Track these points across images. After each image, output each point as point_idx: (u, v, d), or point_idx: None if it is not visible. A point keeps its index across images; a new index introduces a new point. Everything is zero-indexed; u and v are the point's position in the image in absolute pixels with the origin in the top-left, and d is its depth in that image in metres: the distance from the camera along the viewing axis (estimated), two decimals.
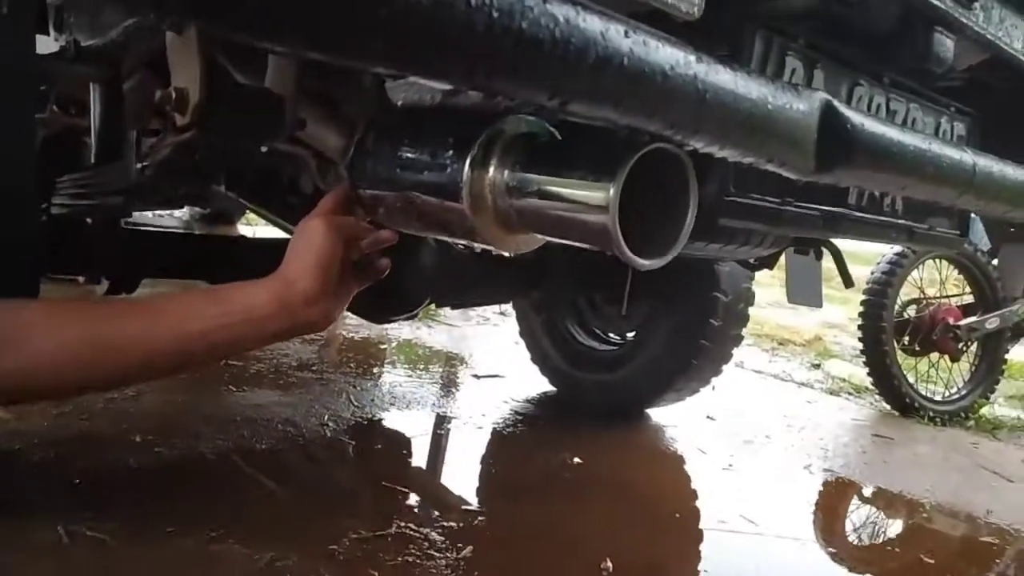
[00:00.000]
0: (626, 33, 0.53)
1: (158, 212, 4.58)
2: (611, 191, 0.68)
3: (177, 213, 4.63)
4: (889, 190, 1.01)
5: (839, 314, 5.03)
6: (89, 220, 1.63)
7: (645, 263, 0.73)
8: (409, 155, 0.88)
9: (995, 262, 3.30)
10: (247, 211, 3.27)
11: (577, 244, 0.77)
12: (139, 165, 1.05)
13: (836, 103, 0.80)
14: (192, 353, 0.82)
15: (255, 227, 4.30)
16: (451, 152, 0.82)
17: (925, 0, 0.96)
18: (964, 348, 3.24)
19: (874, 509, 2.21)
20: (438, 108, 0.87)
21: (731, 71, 0.64)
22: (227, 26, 0.41)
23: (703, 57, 0.61)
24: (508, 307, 2.83)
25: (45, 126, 1.97)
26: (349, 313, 2.62)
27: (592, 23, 0.51)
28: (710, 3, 0.77)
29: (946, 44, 1.03)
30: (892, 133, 0.87)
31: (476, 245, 0.87)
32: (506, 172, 0.79)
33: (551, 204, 0.76)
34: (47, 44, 1.47)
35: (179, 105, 0.91)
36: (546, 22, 0.47)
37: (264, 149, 1.50)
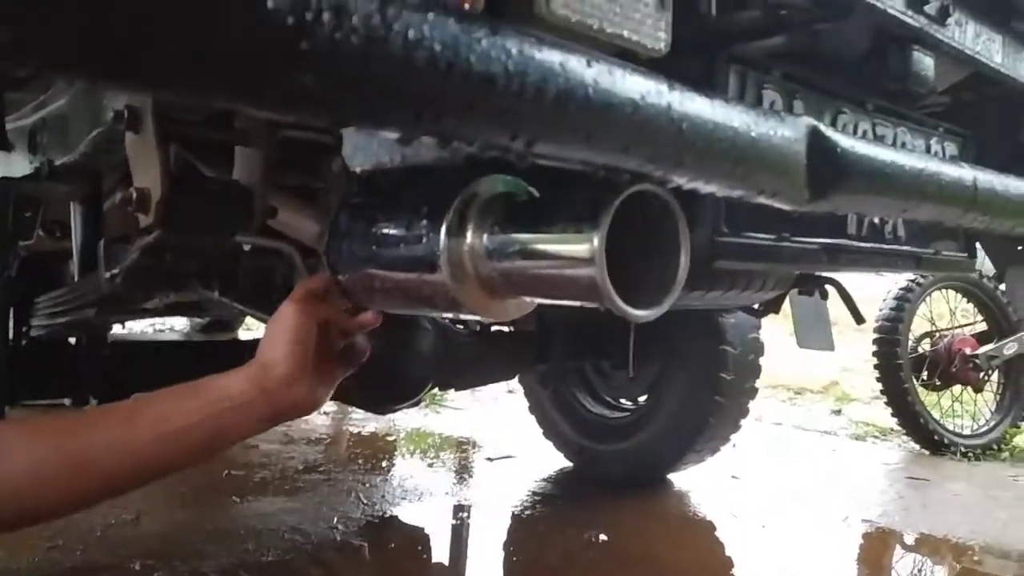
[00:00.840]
0: (588, 63, 0.49)
1: (158, 327, 4.56)
2: (595, 241, 0.63)
3: (177, 326, 4.59)
4: (890, 214, 0.96)
5: (850, 354, 4.92)
6: (73, 340, 1.59)
7: (641, 314, 0.67)
8: (384, 231, 0.84)
9: (1002, 287, 3.24)
10: (246, 317, 3.23)
11: (569, 302, 0.72)
12: (108, 274, 1.01)
13: (823, 127, 0.76)
14: (177, 452, 0.77)
15: (253, 331, 4.26)
16: (425, 221, 0.78)
17: (896, 18, 0.94)
18: (986, 377, 3.14)
19: (920, 557, 2.08)
20: (408, 177, 0.83)
21: (707, 98, 0.60)
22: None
23: (675, 85, 0.57)
24: (515, 383, 2.75)
25: (29, 250, 1.96)
26: (354, 408, 2.53)
27: (549, 54, 0.47)
28: (677, 40, 0.74)
29: (925, 62, 1.01)
30: (885, 153, 0.83)
31: (465, 317, 0.82)
32: (485, 236, 0.75)
33: (535, 263, 0.71)
34: (22, 167, 1.46)
35: (141, 205, 0.88)
36: (497, 55, 0.43)
37: (247, 248, 1.47)
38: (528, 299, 0.79)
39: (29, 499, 0.72)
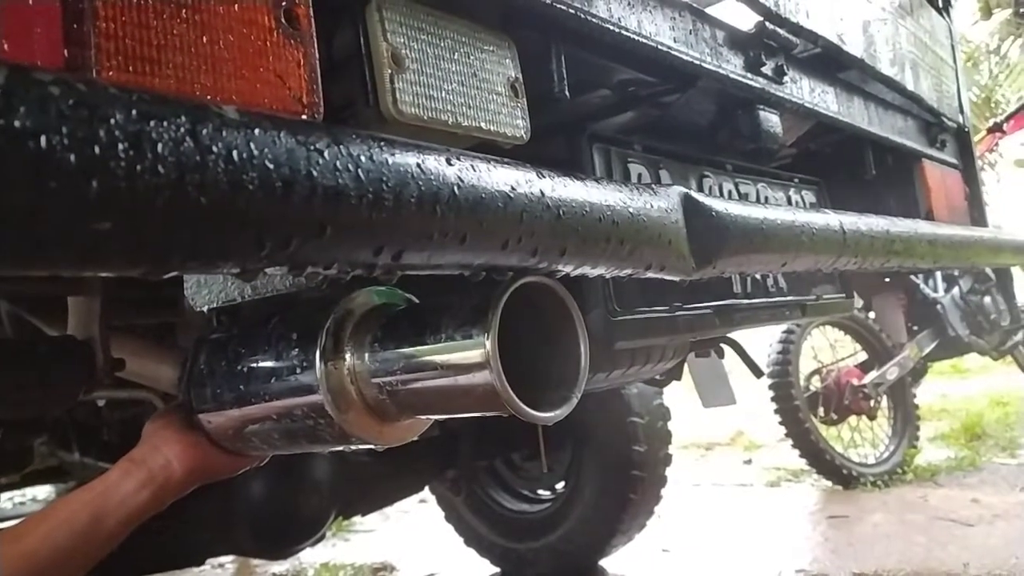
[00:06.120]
0: (448, 161, 0.45)
1: (17, 500, 4.07)
2: (486, 343, 0.57)
3: (40, 496, 4.12)
4: (772, 269, 0.97)
5: (749, 400, 5.04)
6: None
7: (548, 416, 0.62)
8: (251, 366, 0.75)
9: (871, 315, 3.42)
10: None
11: (468, 414, 0.65)
12: None
13: (694, 194, 0.75)
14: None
15: None
16: (296, 350, 0.70)
17: (738, 82, 0.97)
18: (876, 404, 3.27)
19: None
20: (270, 301, 0.75)
21: (579, 181, 0.57)
22: None
23: (544, 172, 0.53)
24: (427, 493, 2.60)
25: None
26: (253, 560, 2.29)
27: (403, 157, 0.42)
28: (536, 125, 0.72)
29: (772, 120, 1.04)
30: (756, 212, 0.83)
31: (357, 448, 0.74)
32: (365, 355, 0.68)
33: (425, 377, 0.64)
34: None
35: None
36: (343, 165, 0.38)
37: (102, 403, 1.31)
38: (423, 417, 0.72)
39: None
